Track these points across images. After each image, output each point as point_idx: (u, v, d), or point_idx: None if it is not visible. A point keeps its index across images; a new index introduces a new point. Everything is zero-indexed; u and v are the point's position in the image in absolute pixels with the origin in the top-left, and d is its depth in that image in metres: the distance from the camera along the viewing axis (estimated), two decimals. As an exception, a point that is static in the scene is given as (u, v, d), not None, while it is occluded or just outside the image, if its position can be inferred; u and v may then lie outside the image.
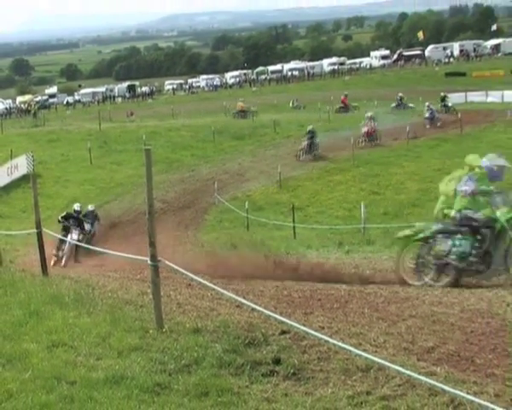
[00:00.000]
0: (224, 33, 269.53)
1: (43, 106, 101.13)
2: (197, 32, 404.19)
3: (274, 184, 37.99)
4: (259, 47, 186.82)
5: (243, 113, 64.68)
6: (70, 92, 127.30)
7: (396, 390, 6.08)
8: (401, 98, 61.79)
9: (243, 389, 6.26)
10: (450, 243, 11.83)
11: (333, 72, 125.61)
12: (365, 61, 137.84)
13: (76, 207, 24.36)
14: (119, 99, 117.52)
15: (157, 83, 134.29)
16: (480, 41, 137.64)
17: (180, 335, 7.78)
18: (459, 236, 11.80)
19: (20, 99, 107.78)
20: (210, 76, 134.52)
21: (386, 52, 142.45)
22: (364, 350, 6.97)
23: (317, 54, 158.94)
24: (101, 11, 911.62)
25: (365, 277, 12.91)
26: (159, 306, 8.21)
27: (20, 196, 35.71)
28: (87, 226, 24.82)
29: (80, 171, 42.54)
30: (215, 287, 8.54)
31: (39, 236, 12.57)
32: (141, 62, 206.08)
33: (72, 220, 23.37)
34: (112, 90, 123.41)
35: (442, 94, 58.93)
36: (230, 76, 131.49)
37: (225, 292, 8.47)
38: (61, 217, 23.40)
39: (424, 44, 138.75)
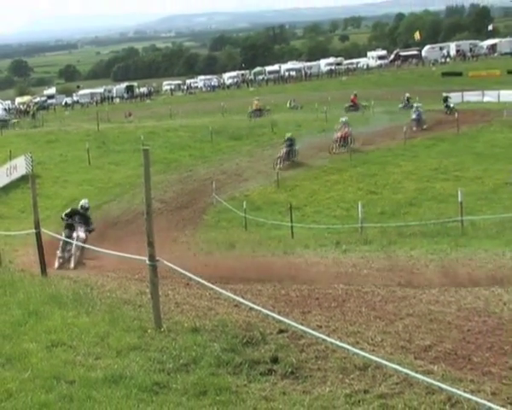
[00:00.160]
0: (222, 34, 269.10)
1: (42, 107, 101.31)
2: (195, 33, 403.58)
3: (271, 184, 37.98)
4: (257, 47, 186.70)
5: (259, 111, 64.72)
6: (68, 93, 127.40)
7: (393, 389, 6.10)
8: (408, 98, 61.38)
9: (241, 387, 6.28)
10: None
11: (330, 72, 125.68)
12: (362, 61, 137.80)
13: (84, 203, 22.30)
14: (118, 100, 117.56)
15: (155, 83, 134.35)
16: (477, 41, 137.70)
17: (178, 334, 7.81)
18: None
19: (18, 100, 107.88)
20: (208, 77, 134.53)
21: (383, 52, 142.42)
22: (362, 349, 7.00)
23: (315, 54, 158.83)
24: (100, 12, 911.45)
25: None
26: (157, 305, 8.24)
27: (19, 196, 35.71)
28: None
29: (79, 171, 42.54)
30: (213, 286, 8.56)
31: (38, 236, 12.59)
32: (139, 63, 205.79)
33: (78, 217, 21.50)
34: (110, 91, 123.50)
35: (444, 95, 58.93)
36: (228, 76, 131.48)
37: (223, 291, 8.50)
38: (66, 214, 21.57)
39: (421, 45, 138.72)
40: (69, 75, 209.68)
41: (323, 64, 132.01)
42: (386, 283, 11.89)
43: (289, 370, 6.65)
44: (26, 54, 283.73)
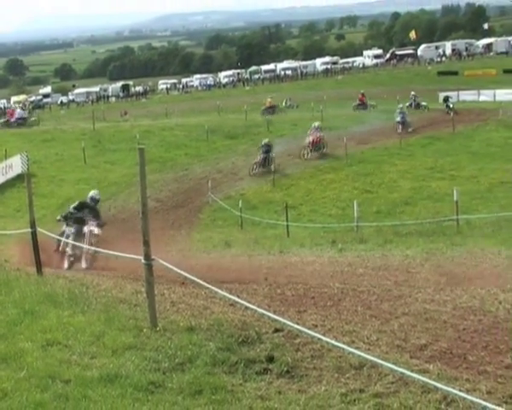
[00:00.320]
0: (218, 33, 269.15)
1: (38, 106, 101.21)
2: (191, 32, 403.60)
3: (267, 183, 37.99)
4: (253, 46, 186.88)
5: (271, 109, 64.78)
6: (64, 92, 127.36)
7: (389, 388, 6.11)
8: (414, 97, 61.19)
9: (237, 387, 6.28)
10: None
11: (326, 71, 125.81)
12: (358, 60, 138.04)
13: (94, 194, 20.52)
14: (113, 99, 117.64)
15: (151, 82, 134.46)
16: (472, 40, 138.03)
17: (174, 333, 7.80)
18: None
19: (14, 99, 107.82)
20: (203, 75, 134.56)
21: (379, 51, 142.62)
22: (357, 348, 7.01)
23: (310, 53, 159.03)
24: (95, 11, 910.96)
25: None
26: (153, 304, 8.23)
27: (15, 195, 35.66)
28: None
29: (74, 170, 42.49)
30: (209, 286, 8.55)
31: (34, 235, 12.58)
32: (135, 62, 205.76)
33: (88, 211, 19.76)
34: (106, 90, 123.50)
35: (445, 95, 59.07)
36: (224, 75, 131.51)
37: (219, 291, 8.49)
38: (74, 207, 19.90)
39: (416, 44, 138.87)
40: (65, 74, 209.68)
41: (319, 63, 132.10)
42: (382, 282, 11.91)
43: (285, 369, 6.65)
44: (21, 53, 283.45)
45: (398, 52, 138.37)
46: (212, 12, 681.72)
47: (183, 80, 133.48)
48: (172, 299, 10.11)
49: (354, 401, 5.89)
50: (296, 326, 7.25)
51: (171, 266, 8.37)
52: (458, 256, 15.44)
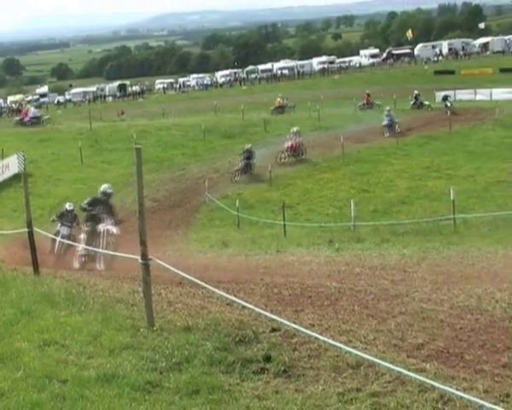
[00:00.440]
0: (215, 32, 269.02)
1: (34, 106, 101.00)
2: (187, 32, 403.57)
3: (264, 183, 38.02)
4: (249, 46, 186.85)
5: (281, 108, 64.78)
6: (61, 92, 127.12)
7: (386, 387, 6.11)
8: (416, 96, 61.04)
9: (234, 386, 6.28)
10: None
11: (322, 70, 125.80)
12: (355, 59, 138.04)
13: (105, 188, 19.00)
14: (110, 98, 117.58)
15: (147, 82, 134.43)
16: (469, 39, 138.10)
17: (171, 333, 7.80)
18: None
19: (11, 99, 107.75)
20: (200, 75, 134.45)
21: (376, 51, 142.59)
22: (354, 347, 7.01)
23: (307, 53, 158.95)
24: (92, 11, 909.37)
25: None
26: (150, 304, 8.23)
27: (12, 195, 35.62)
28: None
29: (71, 170, 42.49)
30: (206, 285, 8.55)
31: (30, 235, 12.57)
32: (131, 62, 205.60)
33: (102, 207, 18.46)
34: (102, 90, 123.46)
35: (444, 94, 59.13)
36: (221, 75, 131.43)
37: (216, 290, 8.50)
38: (87, 203, 18.56)
39: (413, 43, 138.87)
40: (61, 74, 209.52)
41: (316, 63, 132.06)
42: (379, 281, 11.91)
43: (282, 368, 6.65)
44: (17, 52, 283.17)
45: (395, 51, 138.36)
46: (208, 11, 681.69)
47: (180, 80, 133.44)
48: (169, 299, 10.11)
49: (351, 400, 5.90)
50: (293, 326, 7.25)
51: (168, 266, 8.37)
52: (455, 255, 15.45)
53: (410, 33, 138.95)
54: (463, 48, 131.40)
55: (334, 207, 32.17)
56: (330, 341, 6.82)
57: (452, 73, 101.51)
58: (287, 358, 6.89)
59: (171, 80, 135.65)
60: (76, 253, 17.89)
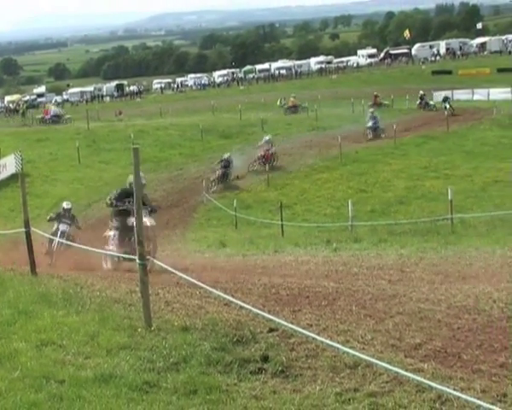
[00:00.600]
0: (212, 32, 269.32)
1: (32, 105, 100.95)
2: (185, 32, 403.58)
3: (262, 183, 38.02)
4: (247, 46, 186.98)
5: (294, 108, 64.82)
6: (58, 92, 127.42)
7: (383, 387, 6.11)
8: (421, 96, 60.94)
9: (231, 386, 6.28)
10: None
11: (320, 70, 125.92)
12: (352, 59, 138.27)
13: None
14: (108, 98, 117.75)
15: (145, 82, 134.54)
16: (466, 39, 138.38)
17: (168, 333, 7.80)
18: None
19: (8, 98, 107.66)
20: (198, 75, 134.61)
21: (373, 51, 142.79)
22: (352, 347, 7.00)
23: (305, 52, 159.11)
24: (89, 10, 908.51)
25: None
26: (147, 304, 8.22)
27: (9, 195, 35.60)
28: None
29: (69, 170, 42.50)
30: (203, 285, 8.55)
31: (28, 235, 12.56)
32: (129, 61, 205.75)
33: (132, 200, 15.24)
34: (100, 90, 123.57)
35: (444, 95, 59.19)
36: (218, 75, 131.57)
37: (214, 290, 8.48)
38: (116, 198, 16.63)
39: (411, 43, 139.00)
40: (59, 74, 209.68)
41: (313, 62, 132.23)
42: (377, 281, 11.90)
43: (279, 368, 6.65)
44: (15, 52, 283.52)
45: (393, 51, 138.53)
46: (206, 11, 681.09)
47: (178, 80, 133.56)
48: (167, 299, 10.08)
49: (349, 400, 5.90)
50: (291, 326, 7.24)
51: (165, 266, 8.37)
52: (453, 255, 15.43)
53: (407, 33, 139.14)
54: (461, 48, 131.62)
55: (331, 207, 32.17)
56: (328, 341, 6.81)
57: (450, 73, 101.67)
58: (284, 358, 6.88)
59: (169, 80, 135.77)
60: (106, 252, 16.01)
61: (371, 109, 51.13)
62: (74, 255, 16.68)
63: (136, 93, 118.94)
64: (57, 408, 5.77)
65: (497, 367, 6.63)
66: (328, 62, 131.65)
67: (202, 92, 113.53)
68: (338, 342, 6.99)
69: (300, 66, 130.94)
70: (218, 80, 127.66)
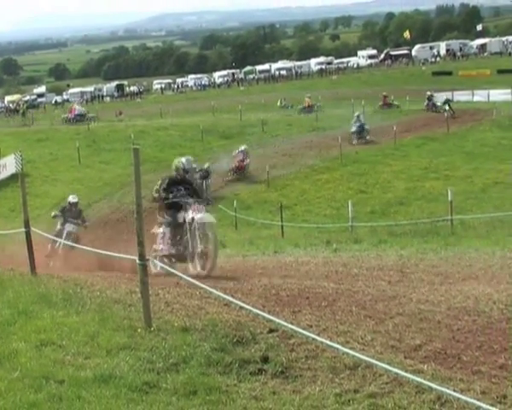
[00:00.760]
0: (212, 33, 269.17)
1: (32, 105, 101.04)
2: (185, 32, 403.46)
3: (262, 183, 38.03)
4: (247, 46, 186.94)
5: (309, 108, 64.86)
6: (58, 92, 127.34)
7: (383, 388, 6.10)
8: (429, 97, 60.71)
9: (231, 387, 6.27)
10: None
11: (320, 71, 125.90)
12: (352, 60, 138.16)
13: (184, 162, 15.13)
14: (108, 98, 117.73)
15: (145, 82, 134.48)
16: (467, 41, 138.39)
17: (168, 334, 7.79)
18: None
19: (8, 98, 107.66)
20: (198, 75, 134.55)
21: (374, 52, 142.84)
22: (352, 348, 7.00)
23: (305, 53, 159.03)
24: (90, 11, 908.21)
25: None
26: (147, 305, 8.22)
27: (9, 195, 35.65)
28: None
29: (69, 170, 42.54)
30: (203, 286, 8.55)
31: (28, 235, 12.56)
32: (129, 62, 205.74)
33: (184, 189, 14.43)
34: (100, 90, 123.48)
35: (445, 98, 59.21)
36: (218, 75, 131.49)
37: (214, 291, 8.48)
38: (164, 188, 14.52)
39: (411, 44, 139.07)
40: (59, 74, 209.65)
41: (314, 63, 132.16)
42: (377, 282, 11.89)
43: (279, 369, 6.64)
44: (15, 52, 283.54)
45: (393, 52, 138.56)
46: (206, 12, 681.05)
47: (178, 80, 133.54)
48: (167, 299, 10.08)
49: (348, 401, 5.89)
50: (291, 326, 7.24)
51: (165, 267, 8.37)
52: (452, 256, 15.41)
53: (407, 34, 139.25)
54: (461, 49, 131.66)
55: (331, 208, 32.21)
56: (328, 342, 6.81)
57: (450, 74, 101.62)
58: (284, 359, 6.88)
59: (169, 81, 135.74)
60: (153, 253, 13.71)
61: (357, 113, 50.12)
62: (80, 257, 15.92)
63: (137, 93, 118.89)
64: (57, 408, 5.77)
65: (496, 369, 6.63)
66: (329, 63, 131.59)
67: (202, 93, 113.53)
68: (338, 343, 6.98)
69: (301, 66, 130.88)
70: (219, 81, 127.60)
